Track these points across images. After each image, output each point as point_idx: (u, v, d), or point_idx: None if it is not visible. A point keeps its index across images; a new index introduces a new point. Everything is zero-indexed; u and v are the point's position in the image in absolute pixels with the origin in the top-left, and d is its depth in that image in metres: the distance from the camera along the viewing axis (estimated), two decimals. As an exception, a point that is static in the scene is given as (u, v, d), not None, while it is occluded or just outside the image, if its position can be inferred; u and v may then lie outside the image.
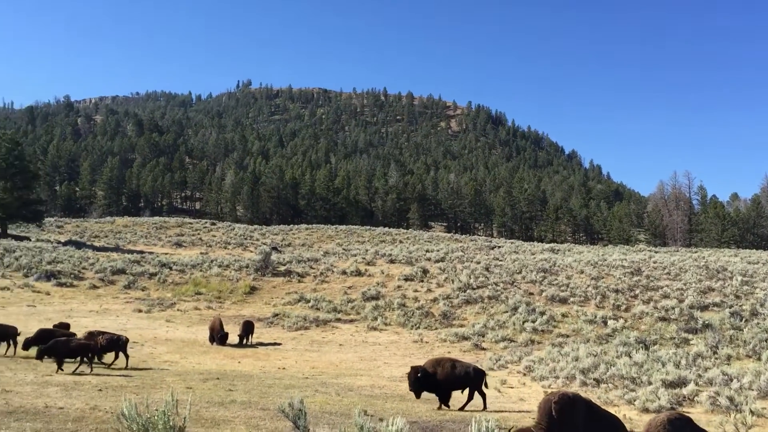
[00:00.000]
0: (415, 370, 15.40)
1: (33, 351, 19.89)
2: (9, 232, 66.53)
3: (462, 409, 15.31)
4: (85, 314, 32.13)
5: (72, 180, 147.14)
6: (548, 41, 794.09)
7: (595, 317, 31.48)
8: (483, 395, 15.61)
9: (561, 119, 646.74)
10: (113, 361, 20.11)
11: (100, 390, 15.20)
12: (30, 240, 61.70)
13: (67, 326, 24.62)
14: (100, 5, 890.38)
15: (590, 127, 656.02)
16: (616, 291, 35.93)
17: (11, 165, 67.35)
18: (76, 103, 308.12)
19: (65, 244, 60.62)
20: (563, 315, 32.45)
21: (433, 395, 15.74)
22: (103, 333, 21.03)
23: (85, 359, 18.42)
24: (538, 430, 8.12)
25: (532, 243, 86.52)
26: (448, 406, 15.37)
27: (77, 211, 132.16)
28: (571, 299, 34.74)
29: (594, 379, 19.65)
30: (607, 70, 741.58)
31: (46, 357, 18.29)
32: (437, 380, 15.35)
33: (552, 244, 78.71)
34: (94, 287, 39.50)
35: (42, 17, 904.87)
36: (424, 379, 15.25)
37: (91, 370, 17.91)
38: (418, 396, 15.47)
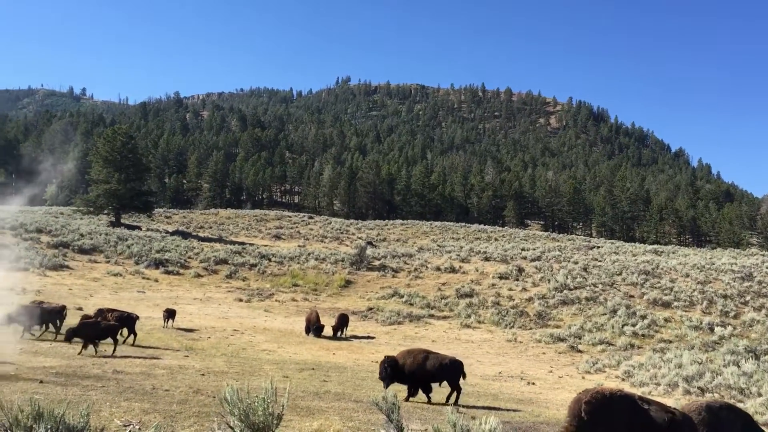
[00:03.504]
0: (385, 359, 15.15)
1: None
2: (122, 221, 70.42)
3: (447, 402, 14.79)
4: (190, 301, 33.64)
5: (180, 173, 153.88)
6: (654, 39, 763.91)
7: (701, 323, 30.07)
8: (458, 390, 15.06)
9: (668, 116, 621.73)
10: (125, 339, 20.60)
11: (202, 375, 15.88)
12: (141, 229, 65.12)
13: (173, 312, 25.88)
14: (209, 7, 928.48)
15: (700, 125, 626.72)
16: (725, 296, 34.15)
17: (125, 158, 71.21)
18: (184, 99, 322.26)
19: (173, 233, 63.64)
20: (666, 320, 31.17)
21: (531, 395, 15.51)
22: (113, 310, 21.60)
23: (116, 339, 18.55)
24: None
25: (633, 244, 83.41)
26: (429, 398, 14.90)
27: (184, 203, 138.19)
28: (675, 304, 33.32)
29: (698, 388, 18.80)
30: (720, 67, 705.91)
31: (75, 338, 18.32)
32: (407, 372, 15.02)
33: (655, 246, 75.55)
34: (199, 276, 41.27)
35: (156, 18, 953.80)
36: (393, 370, 14.95)
37: (114, 351, 18.06)
38: (386, 386, 14.97)
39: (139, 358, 18.03)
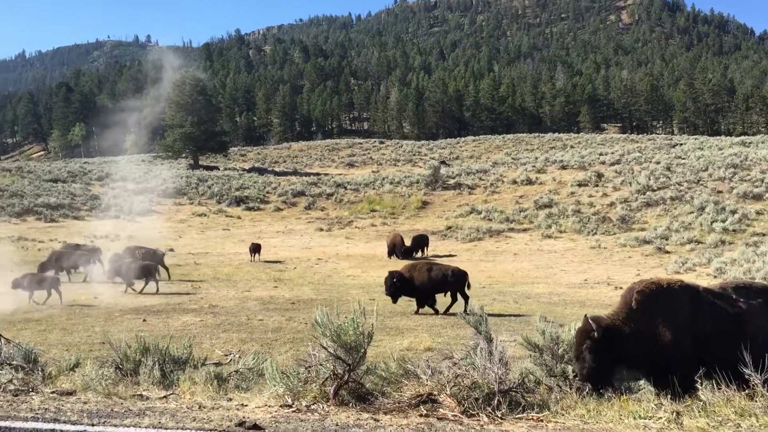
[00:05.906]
0: (391, 275, 15.33)
1: (204, 270, 21.74)
2: (200, 163, 72.34)
3: (446, 312, 14.91)
4: (273, 235, 34.59)
5: (249, 110, 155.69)
6: None
7: (796, 214, 28.80)
8: (465, 297, 15.18)
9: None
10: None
11: (292, 303, 16.45)
12: (218, 169, 66.80)
13: (258, 246, 26.69)
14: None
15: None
16: (821, 184, 32.50)
17: (196, 100, 72.54)
18: (246, 36, 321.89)
19: (249, 171, 65.03)
20: (758, 212, 29.98)
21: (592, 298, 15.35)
22: (141, 247, 22.10)
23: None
24: (610, 321, 5.94)
25: (719, 137, 79.75)
26: (436, 310, 15.08)
27: (257, 140, 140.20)
28: (767, 195, 31.91)
29: (796, 280, 18.14)
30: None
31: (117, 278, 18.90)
32: (414, 284, 15.19)
33: (742, 137, 71.96)
34: (278, 209, 42.26)
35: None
36: (400, 284, 15.14)
37: (157, 291, 18.21)
38: (394, 300, 15.41)
39: (231, 290, 18.80)
